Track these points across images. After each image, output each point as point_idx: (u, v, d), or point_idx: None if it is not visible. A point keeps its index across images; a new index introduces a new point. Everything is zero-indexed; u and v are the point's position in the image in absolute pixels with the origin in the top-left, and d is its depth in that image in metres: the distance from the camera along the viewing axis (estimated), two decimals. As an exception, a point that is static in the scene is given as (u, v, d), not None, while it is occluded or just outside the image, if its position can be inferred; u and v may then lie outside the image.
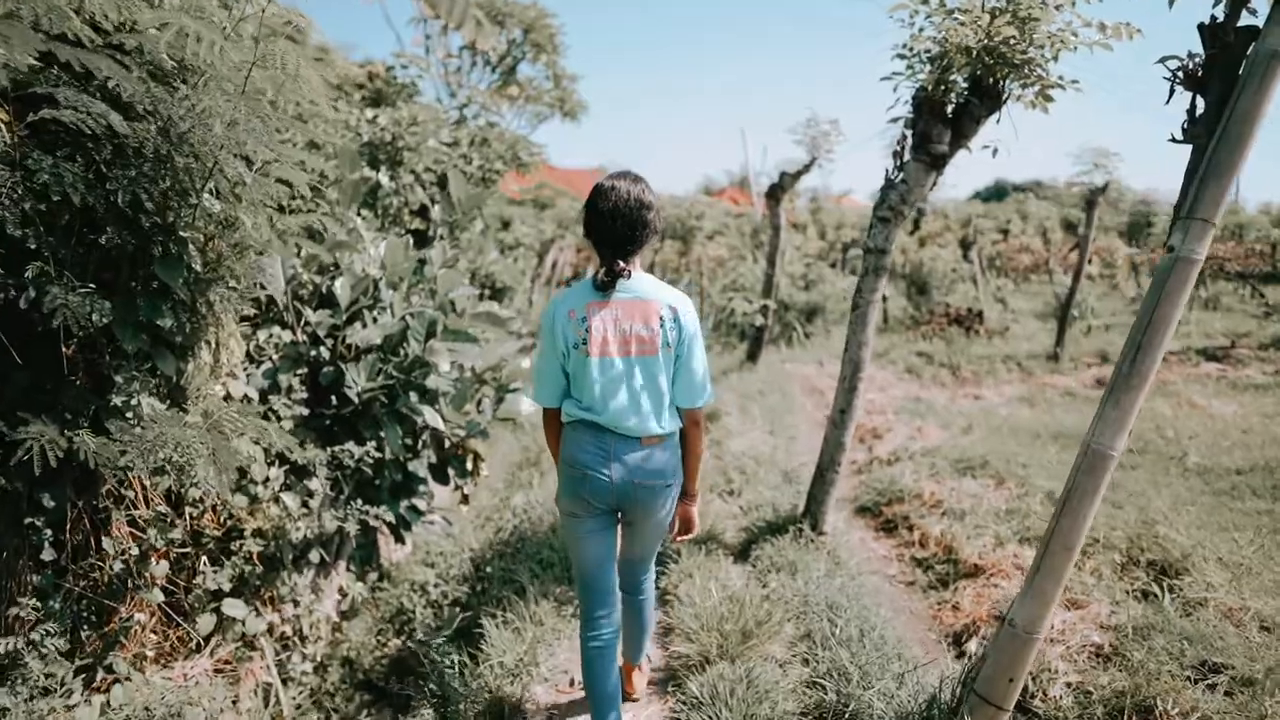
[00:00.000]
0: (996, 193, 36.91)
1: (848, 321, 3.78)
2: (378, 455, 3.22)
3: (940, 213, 19.93)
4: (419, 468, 3.87)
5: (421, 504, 4.36)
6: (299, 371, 3.52)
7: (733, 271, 12.91)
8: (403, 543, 4.66)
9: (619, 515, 2.26)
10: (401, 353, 3.59)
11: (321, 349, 3.48)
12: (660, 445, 2.15)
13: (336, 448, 3.14)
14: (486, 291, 6.99)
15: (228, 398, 2.89)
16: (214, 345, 2.76)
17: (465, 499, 4.65)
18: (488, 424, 4.08)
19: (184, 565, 2.92)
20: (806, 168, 7.26)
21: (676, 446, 2.22)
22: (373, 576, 4.57)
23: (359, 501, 3.38)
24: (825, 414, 7.84)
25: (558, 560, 3.77)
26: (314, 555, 3.51)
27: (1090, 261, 19.18)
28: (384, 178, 4.53)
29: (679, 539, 2.36)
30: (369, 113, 4.82)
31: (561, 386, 2.19)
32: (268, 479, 3.05)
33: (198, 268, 2.49)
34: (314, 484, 3.20)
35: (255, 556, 2.99)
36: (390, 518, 3.32)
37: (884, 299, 16.64)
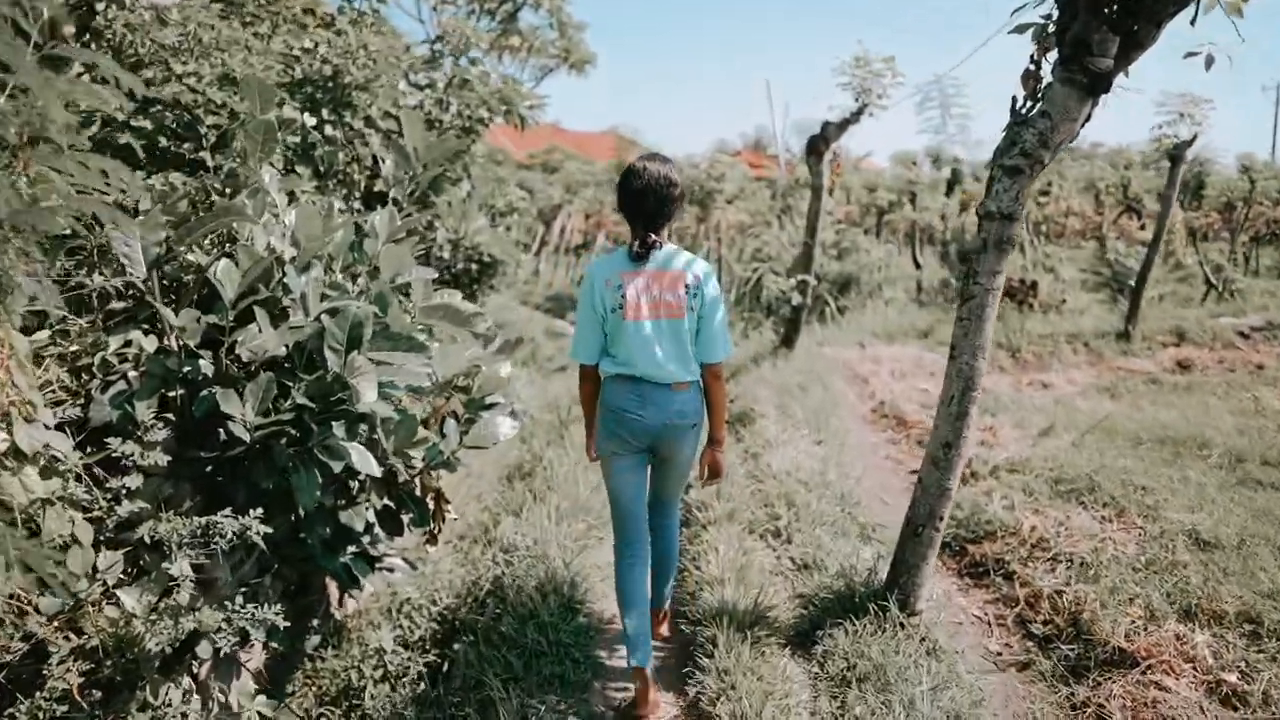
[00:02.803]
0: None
1: (955, 317, 2.66)
2: (267, 530, 2.16)
3: (973, 174, 18.43)
4: (356, 519, 2.82)
5: (375, 550, 3.34)
6: (174, 394, 2.47)
7: (756, 239, 11.70)
8: (353, 598, 3.67)
9: (651, 454, 2.54)
10: (322, 365, 2.52)
11: (201, 363, 2.42)
12: (686, 390, 2.43)
13: (204, 519, 2.09)
14: (474, 266, 5.89)
15: (15, 452, 1.85)
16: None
17: (433, 538, 3.62)
18: (453, 454, 3.02)
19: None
20: (855, 116, 6.04)
21: (699, 391, 2.49)
22: (314, 641, 3.57)
23: (251, 596, 2.34)
24: (872, 407, 6.71)
25: (548, 648, 2.74)
26: (203, 649, 2.49)
27: (1143, 227, 17.72)
28: (310, 119, 3.39)
29: (708, 484, 2.62)
30: (303, 39, 3.66)
31: (599, 345, 2.47)
32: (95, 570, 2.01)
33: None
34: (178, 566, 2.16)
35: (76, 690, 1.96)
36: (272, 622, 2.29)
37: (918, 268, 15.36)
